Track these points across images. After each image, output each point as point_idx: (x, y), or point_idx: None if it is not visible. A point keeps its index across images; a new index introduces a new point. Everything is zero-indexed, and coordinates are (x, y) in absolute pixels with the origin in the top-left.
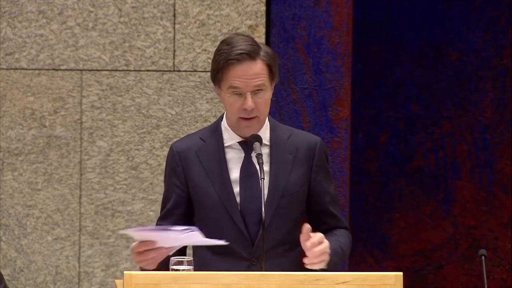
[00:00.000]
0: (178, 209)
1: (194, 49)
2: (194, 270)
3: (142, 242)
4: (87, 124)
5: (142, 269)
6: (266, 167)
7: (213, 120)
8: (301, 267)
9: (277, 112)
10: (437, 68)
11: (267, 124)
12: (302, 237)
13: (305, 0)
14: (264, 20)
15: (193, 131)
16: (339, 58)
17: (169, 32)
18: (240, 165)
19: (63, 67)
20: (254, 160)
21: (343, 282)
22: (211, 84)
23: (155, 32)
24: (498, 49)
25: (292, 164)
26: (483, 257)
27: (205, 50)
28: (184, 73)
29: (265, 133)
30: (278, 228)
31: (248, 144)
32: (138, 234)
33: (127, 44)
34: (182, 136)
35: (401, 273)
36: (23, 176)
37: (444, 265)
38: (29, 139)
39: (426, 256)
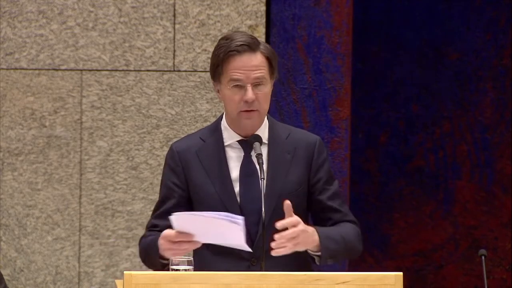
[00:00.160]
0: (178, 208)
1: (194, 49)
2: (194, 270)
3: (179, 233)
4: (87, 124)
5: (161, 258)
6: (264, 167)
7: (213, 120)
8: (301, 267)
9: (277, 112)
10: (437, 68)
11: (265, 122)
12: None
13: (305, 0)
14: (264, 20)
15: (193, 131)
16: (339, 58)
17: (169, 32)
18: (239, 164)
19: (63, 67)
20: (254, 159)
21: (343, 282)
22: (211, 84)
23: (155, 32)
24: (498, 49)
25: (291, 163)
26: (483, 257)
27: (205, 50)
28: (184, 73)
29: (263, 132)
30: (277, 228)
31: (248, 143)
32: (180, 225)
33: (127, 44)
34: (182, 136)
35: (401, 273)
36: (23, 176)
37: (444, 265)
38: (29, 139)
39: (426, 256)
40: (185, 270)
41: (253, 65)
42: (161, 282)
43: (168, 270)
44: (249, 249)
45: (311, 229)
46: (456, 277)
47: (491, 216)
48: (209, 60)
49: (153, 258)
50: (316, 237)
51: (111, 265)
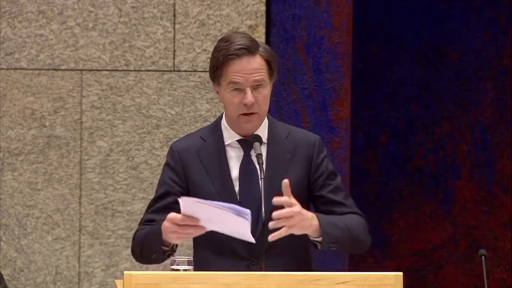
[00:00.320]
0: (176, 205)
1: (194, 49)
2: (194, 270)
3: (186, 217)
4: (87, 124)
5: (163, 243)
6: (263, 166)
7: (213, 120)
8: (301, 267)
9: (277, 112)
10: (437, 68)
11: (265, 122)
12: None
13: (305, 0)
14: (264, 20)
15: (193, 131)
16: (339, 58)
17: (169, 32)
18: (239, 163)
19: (63, 67)
20: (254, 159)
21: (343, 282)
22: (211, 84)
23: (155, 32)
24: (498, 49)
25: (290, 163)
26: (483, 257)
27: (205, 50)
28: (184, 73)
29: (263, 131)
30: (276, 228)
31: (247, 142)
32: (187, 209)
33: (127, 44)
34: (182, 136)
35: (401, 273)
36: (23, 176)
37: (444, 265)
38: (29, 139)
39: (426, 256)
40: (185, 270)
41: (252, 68)
42: (161, 282)
43: (163, 260)
44: (253, 240)
45: (310, 214)
46: (456, 277)
47: (491, 216)
48: (209, 60)
49: (153, 247)
50: (316, 222)
51: (111, 265)
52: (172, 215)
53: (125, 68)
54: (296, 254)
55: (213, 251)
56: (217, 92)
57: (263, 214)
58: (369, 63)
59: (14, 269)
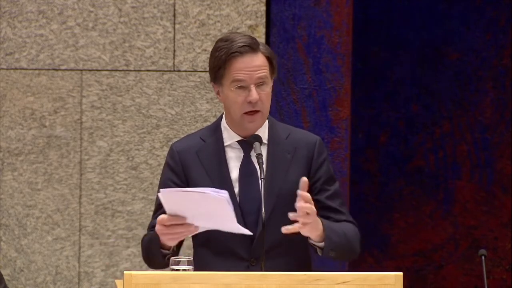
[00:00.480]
0: None
1: (194, 49)
2: (194, 270)
3: (172, 216)
4: (87, 124)
5: (161, 245)
6: (263, 166)
7: (213, 120)
8: (301, 267)
9: (277, 112)
10: (437, 68)
11: (266, 122)
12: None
13: (305, 0)
14: (264, 20)
15: (193, 131)
16: (339, 58)
17: (169, 32)
18: (239, 164)
19: (63, 67)
20: (254, 159)
21: (343, 282)
22: (211, 85)
23: (155, 32)
24: (498, 49)
25: (290, 163)
26: (483, 257)
27: (205, 50)
28: (184, 73)
29: (263, 132)
30: (276, 228)
31: (247, 143)
32: (170, 206)
33: (127, 44)
34: (182, 136)
35: (401, 273)
36: (23, 176)
37: (444, 265)
38: (29, 139)
39: (426, 256)
40: (185, 270)
41: (255, 65)
42: (161, 282)
43: (168, 265)
44: (249, 232)
45: (318, 218)
46: (456, 277)
47: (491, 216)
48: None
49: (154, 251)
50: (321, 226)
51: (111, 265)
52: (160, 217)
53: (125, 68)
54: (296, 255)
55: (213, 251)
56: (218, 93)
57: (263, 214)
58: (369, 63)
59: (14, 269)
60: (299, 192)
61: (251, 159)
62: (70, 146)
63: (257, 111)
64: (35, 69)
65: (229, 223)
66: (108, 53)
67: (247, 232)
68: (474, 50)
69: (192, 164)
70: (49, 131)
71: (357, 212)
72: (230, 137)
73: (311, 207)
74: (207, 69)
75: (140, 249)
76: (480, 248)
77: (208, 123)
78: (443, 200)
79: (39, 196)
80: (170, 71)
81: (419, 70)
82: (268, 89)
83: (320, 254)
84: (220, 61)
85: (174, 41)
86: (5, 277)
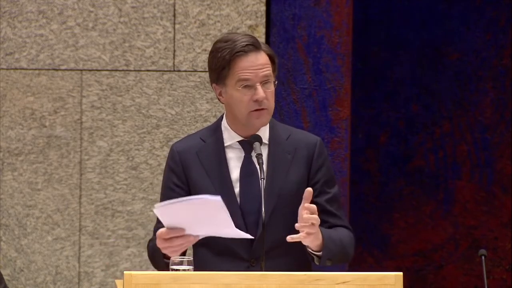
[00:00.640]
0: None
1: (194, 49)
2: (194, 270)
3: (170, 229)
4: (87, 124)
5: (165, 256)
6: (264, 167)
7: (213, 120)
8: (301, 267)
9: (277, 112)
10: (437, 68)
11: None
12: (301, 204)
13: (305, 0)
14: (264, 20)
15: (193, 131)
16: (339, 58)
17: (169, 32)
18: (240, 164)
19: (63, 67)
20: (255, 159)
21: (343, 282)
22: (213, 86)
23: (155, 32)
24: (498, 49)
25: (291, 164)
26: (483, 257)
27: (205, 50)
28: (184, 73)
29: (264, 132)
30: (276, 228)
31: (248, 143)
32: (167, 219)
33: (127, 44)
34: (182, 136)
35: (401, 273)
36: (23, 176)
37: (444, 265)
38: (29, 139)
39: (426, 256)
40: (185, 270)
41: (260, 63)
42: (161, 282)
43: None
44: (249, 236)
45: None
46: (456, 277)
47: (491, 216)
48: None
49: (158, 260)
50: (321, 236)
51: (111, 265)
52: (159, 232)
53: (125, 68)
54: (296, 255)
55: (213, 252)
56: (220, 94)
57: (263, 215)
58: (369, 63)
59: (14, 269)
60: (306, 204)
61: (252, 160)
62: (70, 146)
63: (263, 109)
64: (35, 69)
65: (228, 229)
66: (108, 53)
67: (247, 236)
68: (474, 50)
69: (192, 164)
70: (49, 131)
71: (357, 212)
72: (230, 137)
73: (317, 218)
74: (207, 69)
75: (140, 249)
76: (480, 248)
77: (208, 123)
78: (443, 200)
79: (39, 196)
80: (170, 71)
81: (419, 70)
82: (272, 87)
83: (317, 263)
84: (224, 61)
85: (174, 41)
86: (5, 277)
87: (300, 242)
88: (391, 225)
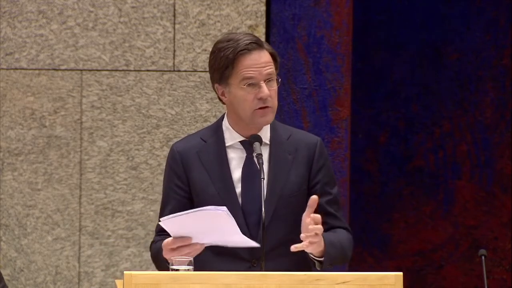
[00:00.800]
0: (182, 210)
1: (194, 49)
2: (194, 271)
3: (176, 239)
4: (87, 124)
5: (167, 265)
6: (265, 167)
7: (213, 120)
8: (302, 267)
9: (277, 112)
10: (437, 68)
11: None
12: (306, 211)
13: (305, 0)
14: (264, 20)
15: (193, 131)
16: (339, 58)
17: (169, 32)
18: (242, 165)
19: (63, 67)
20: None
21: (343, 282)
22: (215, 86)
23: (155, 32)
24: (498, 49)
25: (292, 164)
26: (483, 257)
27: (205, 50)
28: (184, 73)
29: (265, 132)
30: (278, 229)
31: (248, 143)
32: (174, 230)
33: (127, 44)
34: (182, 136)
35: (401, 273)
36: (23, 176)
37: (444, 265)
38: (29, 139)
39: (426, 256)
40: (185, 270)
41: (263, 61)
42: (161, 282)
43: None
44: (256, 244)
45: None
46: (456, 277)
47: (491, 216)
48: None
49: (163, 266)
50: (323, 243)
51: (111, 265)
52: (165, 242)
53: (125, 68)
54: (297, 255)
55: (214, 252)
56: (223, 94)
57: (263, 215)
58: (369, 63)
59: (14, 269)
60: (311, 215)
61: (253, 160)
62: (70, 146)
63: (267, 107)
64: (35, 69)
65: (234, 236)
66: (108, 53)
67: (253, 244)
68: (474, 50)
69: (193, 164)
70: (49, 131)
71: (357, 212)
72: (232, 137)
73: (321, 228)
74: (207, 69)
75: (140, 249)
76: (480, 248)
77: (208, 123)
78: (443, 200)
79: (39, 196)
80: (170, 71)
81: (419, 70)
82: (276, 85)
83: (318, 268)
84: (227, 61)
85: (174, 41)
86: (5, 277)
87: (300, 243)
88: (391, 225)
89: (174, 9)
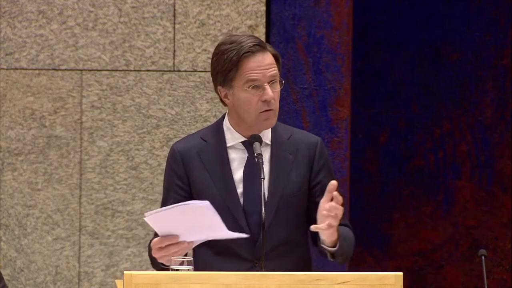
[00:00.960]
0: None
1: (194, 49)
2: (195, 271)
3: (164, 237)
4: (87, 124)
5: (163, 266)
6: (266, 167)
7: (213, 120)
8: (303, 267)
9: None
10: (437, 68)
11: None
12: (324, 197)
13: (305, 0)
14: (264, 20)
15: (193, 131)
16: (339, 58)
17: (169, 32)
18: (243, 165)
19: (63, 67)
20: None
21: (343, 282)
22: (211, 84)
23: (155, 32)
24: (498, 49)
25: (293, 164)
26: (483, 257)
27: (205, 50)
28: (184, 73)
29: (267, 133)
30: (279, 229)
31: (248, 143)
32: (159, 227)
33: (127, 44)
34: (182, 136)
35: (401, 273)
36: (23, 176)
37: (444, 265)
38: (29, 139)
39: (426, 256)
40: (185, 270)
41: (267, 63)
42: (161, 282)
43: (168, 270)
44: (245, 235)
45: None
46: (456, 277)
47: (491, 216)
48: (209, 60)
49: (156, 265)
50: (336, 232)
51: (111, 265)
52: (153, 241)
53: (125, 68)
54: (298, 255)
55: (215, 252)
56: (226, 96)
57: (263, 215)
58: (369, 63)
59: (14, 269)
60: (334, 193)
61: (255, 160)
62: (70, 146)
63: (271, 110)
64: (35, 69)
65: (220, 231)
66: (108, 53)
67: (241, 235)
68: (474, 50)
69: (194, 164)
70: (49, 131)
71: (357, 212)
72: (233, 138)
73: (342, 210)
74: (207, 69)
75: (140, 249)
76: (480, 248)
77: (208, 123)
78: (443, 200)
79: (39, 196)
80: (170, 71)
81: (419, 70)
82: (279, 87)
83: (331, 259)
84: (231, 63)
85: (174, 41)
86: (5, 277)
87: (301, 243)
88: (391, 225)
89: (174, 9)
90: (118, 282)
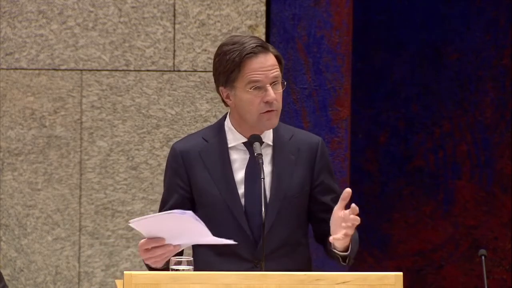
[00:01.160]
0: (181, 208)
1: (194, 49)
2: (195, 271)
3: (150, 239)
4: (87, 124)
5: (149, 268)
6: (268, 168)
7: (213, 120)
8: (303, 268)
9: None
10: (437, 68)
11: None
12: (338, 204)
13: (305, 0)
14: (264, 20)
15: (193, 131)
16: (339, 58)
17: (169, 32)
18: (245, 166)
19: (63, 67)
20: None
21: (343, 282)
22: (211, 84)
23: (155, 32)
24: (498, 49)
25: (294, 165)
26: (483, 257)
27: (205, 50)
28: (184, 73)
29: (268, 133)
30: (281, 229)
31: (249, 143)
32: (146, 230)
33: (127, 44)
34: (182, 136)
35: (401, 273)
36: (23, 176)
37: (444, 265)
38: (29, 139)
39: (426, 256)
40: (185, 270)
41: (269, 64)
42: (161, 282)
43: (168, 268)
44: (232, 242)
45: None
46: (456, 277)
47: (491, 216)
48: (209, 60)
49: (148, 266)
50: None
51: (111, 265)
52: (140, 243)
53: (125, 68)
54: (298, 255)
55: (216, 252)
56: (228, 97)
57: (263, 215)
58: (369, 63)
59: (14, 269)
60: (352, 204)
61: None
62: (70, 146)
63: (273, 111)
64: (35, 69)
65: (206, 237)
66: (108, 53)
67: (228, 242)
68: (474, 50)
69: (195, 164)
70: (49, 131)
71: None
72: (235, 138)
73: (359, 220)
74: (207, 69)
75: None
76: (480, 248)
77: (208, 123)
78: (443, 200)
79: (39, 196)
80: (170, 71)
81: (419, 70)
82: (281, 88)
83: (343, 263)
84: (234, 64)
85: (174, 41)
86: (5, 277)
87: (302, 243)
88: (391, 225)
89: (174, 9)
90: (118, 282)
